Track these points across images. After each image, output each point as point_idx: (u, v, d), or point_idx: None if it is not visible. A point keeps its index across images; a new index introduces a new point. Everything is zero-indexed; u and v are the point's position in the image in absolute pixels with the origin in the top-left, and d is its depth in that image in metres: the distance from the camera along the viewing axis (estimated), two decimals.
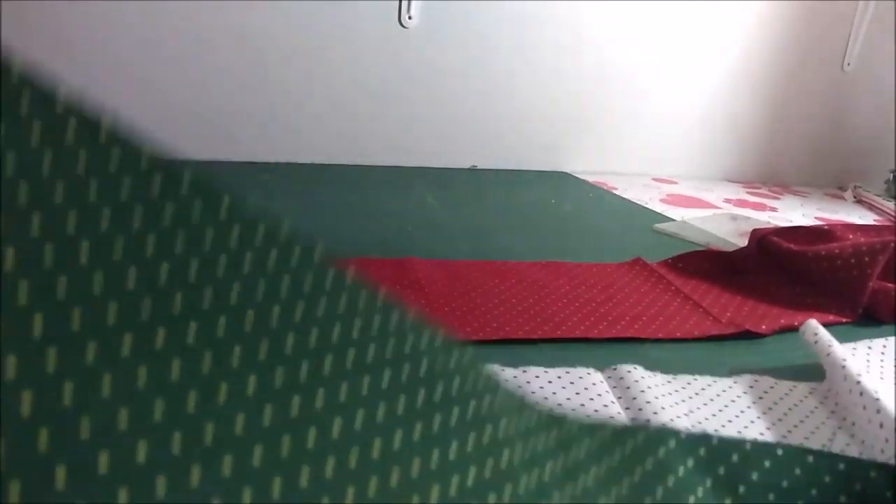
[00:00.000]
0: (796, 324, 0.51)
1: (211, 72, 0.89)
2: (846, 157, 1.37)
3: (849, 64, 1.30)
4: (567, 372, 0.39)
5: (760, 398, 0.38)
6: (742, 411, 0.37)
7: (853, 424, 0.35)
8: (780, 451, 0.28)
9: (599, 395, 0.37)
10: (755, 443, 0.28)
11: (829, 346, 0.40)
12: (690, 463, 0.26)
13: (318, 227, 0.67)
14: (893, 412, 0.32)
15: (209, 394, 0.18)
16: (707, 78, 1.20)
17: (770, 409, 0.38)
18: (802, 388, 0.40)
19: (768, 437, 0.35)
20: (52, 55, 0.81)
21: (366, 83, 0.97)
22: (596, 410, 0.35)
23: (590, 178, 1.08)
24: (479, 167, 1.07)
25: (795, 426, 0.36)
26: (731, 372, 0.42)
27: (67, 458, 0.16)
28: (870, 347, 0.46)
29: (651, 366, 0.41)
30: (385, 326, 0.21)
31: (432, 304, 0.49)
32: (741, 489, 0.27)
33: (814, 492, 0.28)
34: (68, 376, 0.17)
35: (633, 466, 0.25)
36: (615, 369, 0.39)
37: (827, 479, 0.28)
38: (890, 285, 0.56)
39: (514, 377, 0.38)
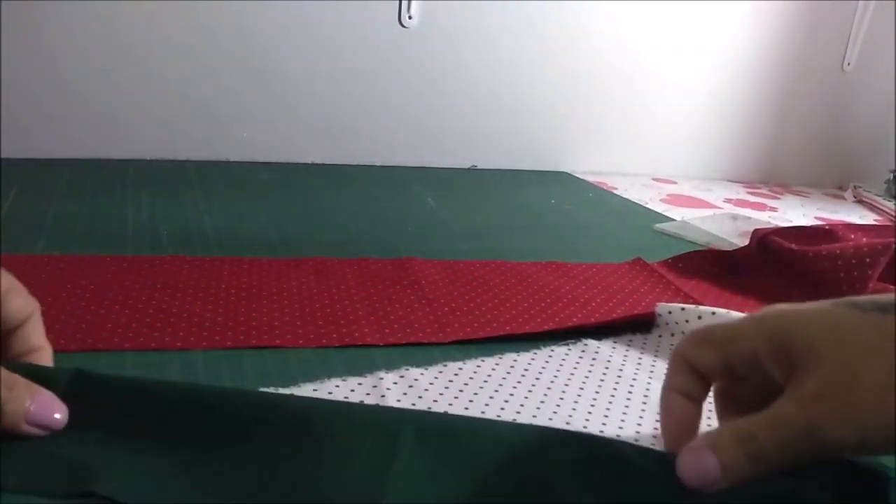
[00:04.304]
0: None
1: (210, 72, 0.89)
2: (846, 157, 1.37)
3: (849, 64, 1.30)
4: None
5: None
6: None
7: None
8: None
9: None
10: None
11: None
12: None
13: (318, 226, 0.67)
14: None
15: None
16: (707, 78, 1.20)
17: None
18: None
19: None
20: (52, 54, 0.81)
21: (366, 83, 0.97)
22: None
23: (590, 178, 1.08)
24: (479, 167, 1.07)
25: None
26: None
27: None
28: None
29: None
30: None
31: (432, 304, 0.49)
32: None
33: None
34: None
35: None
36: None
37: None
38: (890, 286, 0.56)
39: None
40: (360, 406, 0.34)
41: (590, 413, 0.38)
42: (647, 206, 0.94)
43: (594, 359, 0.44)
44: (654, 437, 0.36)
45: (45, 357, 0.31)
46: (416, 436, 0.30)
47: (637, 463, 0.29)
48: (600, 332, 0.47)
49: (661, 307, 0.49)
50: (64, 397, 0.29)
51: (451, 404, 0.37)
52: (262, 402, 0.31)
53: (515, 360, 0.42)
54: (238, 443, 0.29)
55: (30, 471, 0.27)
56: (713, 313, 0.46)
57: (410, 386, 0.38)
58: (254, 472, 0.28)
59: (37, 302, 0.31)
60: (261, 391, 0.33)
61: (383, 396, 0.36)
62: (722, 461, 0.26)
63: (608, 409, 0.38)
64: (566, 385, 0.40)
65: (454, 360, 0.41)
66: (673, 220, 0.86)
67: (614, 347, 0.46)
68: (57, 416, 0.28)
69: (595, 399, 0.39)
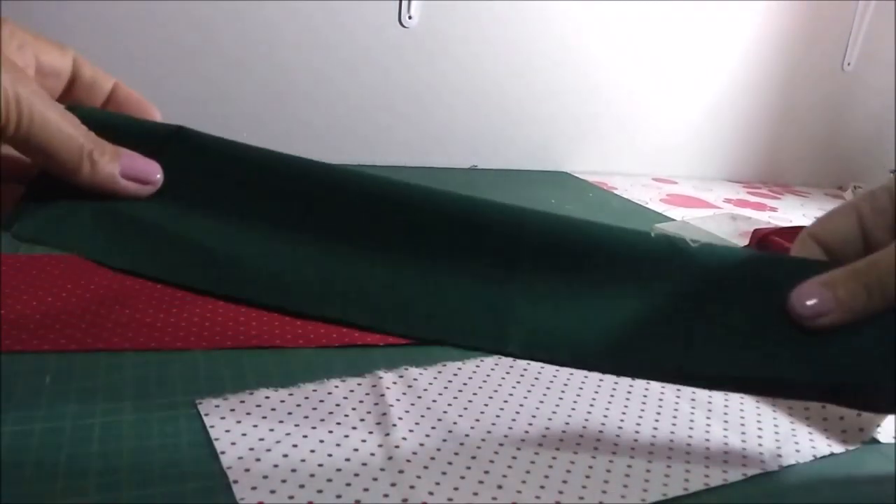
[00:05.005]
0: None
1: (209, 72, 0.89)
2: (846, 157, 1.37)
3: (849, 64, 1.30)
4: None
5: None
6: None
7: None
8: None
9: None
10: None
11: None
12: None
13: None
14: None
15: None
16: (707, 78, 1.20)
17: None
18: None
19: None
20: None
21: (365, 83, 0.97)
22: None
23: (590, 178, 1.08)
24: (479, 167, 1.07)
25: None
26: None
27: None
28: None
29: None
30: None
31: None
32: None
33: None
34: None
35: None
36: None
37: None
38: None
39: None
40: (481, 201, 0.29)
41: (589, 413, 0.38)
42: (647, 206, 0.94)
43: None
44: (654, 436, 0.36)
45: (124, 89, 0.31)
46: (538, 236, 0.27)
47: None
48: None
49: None
50: (159, 155, 0.27)
51: (450, 404, 0.37)
52: (384, 184, 0.28)
53: (515, 360, 0.42)
54: (357, 223, 0.27)
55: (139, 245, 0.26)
56: None
57: (410, 385, 0.38)
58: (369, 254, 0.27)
59: (70, 47, 0.29)
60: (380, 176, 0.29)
61: (382, 396, 0.36)
62: (836, 294, 0.24)
63: (608, 408, 0.38)
64: (566, 384, 0.40)
65: (453, 359, 0.41)
66: (673, 220, 0.86)
67: None
68: (156, 175, 0.27)
69: (595, 398, 0.39)
